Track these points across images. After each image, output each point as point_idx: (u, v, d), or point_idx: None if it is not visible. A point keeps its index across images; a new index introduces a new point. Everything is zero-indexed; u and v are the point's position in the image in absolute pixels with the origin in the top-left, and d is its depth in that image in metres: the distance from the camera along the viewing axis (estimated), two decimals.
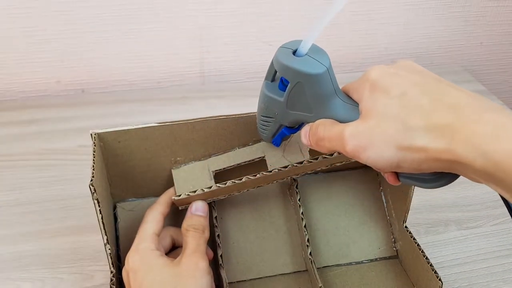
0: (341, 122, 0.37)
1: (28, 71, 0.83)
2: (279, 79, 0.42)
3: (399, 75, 0.34)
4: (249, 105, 0.83)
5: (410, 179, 0.36)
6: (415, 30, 0.94)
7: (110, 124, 0.49)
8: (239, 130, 0.51)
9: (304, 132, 0.41)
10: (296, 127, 0.44)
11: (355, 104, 0.38)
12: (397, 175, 0.37)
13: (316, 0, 0.86)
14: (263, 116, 0.45)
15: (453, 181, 0.35)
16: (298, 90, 0.39)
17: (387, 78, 0.34)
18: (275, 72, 0.42)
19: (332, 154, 0.48)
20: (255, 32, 0.88)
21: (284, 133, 0.45)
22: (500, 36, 1.00)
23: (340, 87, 0.40)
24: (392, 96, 0.33)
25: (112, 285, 0.44)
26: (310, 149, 0.50)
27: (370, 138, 0.33)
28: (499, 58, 1.04)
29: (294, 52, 0.39)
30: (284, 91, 0.41)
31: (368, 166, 0.57)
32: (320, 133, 0.38)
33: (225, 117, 0.50)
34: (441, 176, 0.35)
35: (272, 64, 0.42)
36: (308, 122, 0.41)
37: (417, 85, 0.33)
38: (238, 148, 0.52)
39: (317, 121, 0.39)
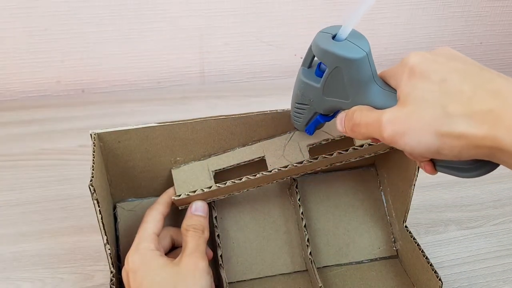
0: (378, 108, 0.37)
1: (28, 71, 0.83)
2: (316, 65, 0.41)
3: (439, 62, 0.34)
4: (249, 105, 0.83)
5: (447, 168, 0.36)
6: (415, 30, 0.94)
7: (110, 124, 0.49)
8: (239, 130, 0.51)
9: (340, 118, 0.40)
10: (330, 115, 0.44)
11: (393, 90, 0.37)
12: (433, 164, 0.37)
13: (316, 0, 0.86)
14: (298, 103, 0.44)
15: (492, 170, 0.34)
16: (336, 76, 0.39)
17: (427, 64, 0.34)
18: (313, 58, 0.42)
19: (332, 154, 0.48)
20: (255, 32, 0.88)
21: (318, 121, 0.45)
22: (500, 36, 1.00)
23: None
24: (432, 82, 0.33)
25: (112, 285, 0.44)
26: (309, 149, 0.51)
27: (409, 124, 0.33)
28: (499, 58, 1.04)
29: (334, 37, 0.38)
30: (321, 77, 0.40)
31: (367, 166, 0.58)
32: (356, 119, 0.38)
33: (225, 117, 0.50)
34: (480, 165, 0.34)
35: (309, 49, 0.41)
36: (343, 109, 0.41)
37: (458, 72, 0.33)
38: (238, 148, 0.52)
39: (354, 107, 0.39)
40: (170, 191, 0.50)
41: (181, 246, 0.46)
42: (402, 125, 0.33)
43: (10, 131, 0.74)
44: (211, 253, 0.49)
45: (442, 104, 0.32)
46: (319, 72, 0.41)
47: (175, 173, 0.51)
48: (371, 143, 0.48)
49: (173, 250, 0.50)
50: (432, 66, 0.34)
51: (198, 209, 0.48)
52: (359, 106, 0.39)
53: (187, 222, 0.47)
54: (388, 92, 0.38)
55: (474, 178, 0.35)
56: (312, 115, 0.44)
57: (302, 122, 0.46)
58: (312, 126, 0.47)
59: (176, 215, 0.51)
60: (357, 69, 0.38)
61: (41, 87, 0.85)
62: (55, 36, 0.80)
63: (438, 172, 0.38)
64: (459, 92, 0.32)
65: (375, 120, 0.36)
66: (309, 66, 0.42)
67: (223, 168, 0.51)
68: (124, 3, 0.79)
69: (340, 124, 0.40)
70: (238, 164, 0.51)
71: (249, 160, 0.51)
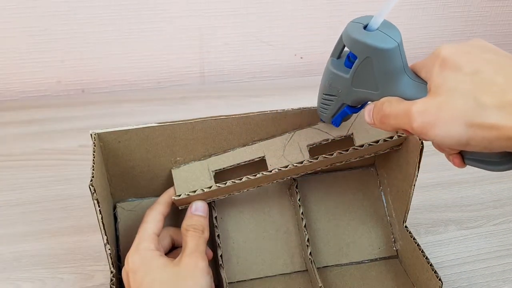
0: (407, 100, 0.37)
1: (28, 71, 0.83)
2: (346, 56, 0.41)
3: (471, 53, 0.34)
4: (249, 105, 0.83)
5: (476, 161, 0.36)
6: (415, 30, 0.94)
7: (110, 124, 0.49)
8: (239, 130, 0.51)
9: (368, 110, 0.40)
10: (358, 107, 0.44)
11: (423, 82, 0.37)
12: (462, 157, 0.37)
13: (316, 0, 0.86)
14: (325, 94, 0.44)
15: None
16: (366, 66, 0.39)
17: (459, 56, 0.34)
18: (342, 48, 0.42)
19: (332, 154, 0.48)
20: (255, 32, 0.88)
21: (345, 112, 0.45)
22: (500, 36, 1.00)
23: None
24: (464, 73, 0.33)
25: (112, 285, 0.44)
26: (310, 149, 0.51)
27: (439, 114, 0.33)
28: None
29: (365, 27, 0.38)
30: (350, 68, 0.40)
31: (367, 166, 0.58)
32: (385, 110, 0.38)
33: (225, 117, 0.50)
34: (510, 158, 0.34)
35: (339, 40, 0.41)
36: (372, 101, 0.40)
37: (491, 63, 0.33)
38: (238, 148, 0.52)
39: (383, 99, 0.39)
40: (170, 191, 0.50)
41: (181, 246, 0.46)
42: (432, 116, 0.33)
43: (10, 131, 0.74)
44: (211, 253, 0.49)
45: (474, 95, 0.32)
46: (349, 62, 0.41)
47: (175, 173, 0.51)
48: (371, 143, 0.48)
49: (173, 250, 0.50)
50: (464, 57, 0.33)
51: (198, 209, 0.48)
52: (388, 97, 0.38)
53: (187, 222, 0.47)
54: (418, 84, 0.37)
55: (504, 171, 0.35)
56: (340, 106, 0.44)
57: (329, 114, 0.46)
58: (339, 118, 0.46)
59: (176, 215, 0.51)
60: (388, 60, 0.37)
61: (41, 87, 0.85)
62: (55, 36, 0.80)
63: (462, 167, 0.37)
64: (492, 84, 0.31)
65: (405, 111, 0.35)
66: (339, 57, 0.42)
67: (223, 168, 0.51)
68: (124, 3, 0.79)
69: (368, 116, 0.40)
70: (238, 164, 0.51)
71: (249, 160, 0.51)
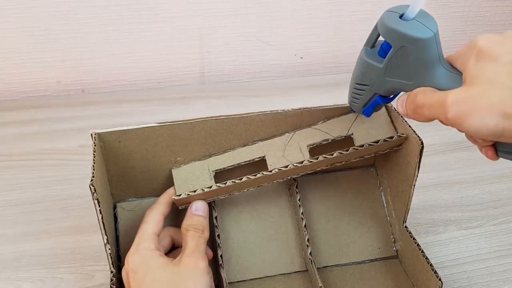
0: (442, 90, 0.37)
1: (28, 71, 0.83)
2: (380, 45, 0.41)
3: (508, 44, 0.34)
4: (249, 105, 0.83)
5: (510, 154, 0.36)
6: None
7: (110, 124, 0.49)
8: (239, 130, 0.51)
9: (401, 100, 0.40)
10: (390, 97, 0.44)
11: (459, 73, 0.37)
12: (495, 150, 0.36)
13: (316, 0, 0.86)
14: (357, 83, 0.44)
15: None
16: (400, 56, 0.38)
17: (495, 46, 0.34)
18: (377, 37, 0.41)
19: (332, 154, 0.48)
20: (255, 32, 0.88)
21: (377, 102, 0.44)
22: None
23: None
24: (500, 64, 0.33)
25: (112, 285, 0.44)
26: (310, 149, 0.51)
27: (475, 105, 0.33)
28: None
29: (401, 16, 0.38)
30: (384, 57, 0.40)
31: (367, 166, 0.58)
32: (419, 100, 0.37)
33: (225, 117, 0.50)
34: None
35: (374, 29, 0.41)
36: (404, 91, 0.40)
37: None
38: (238, 148, 0.52)
39: (416, 89, 0.38)
40: (170, 191, 0.50)
41: (181, 246, 0.46)
42: (467, 106, 0.33)
43: (10, 131, 0.74)
44: (211, 253, 0.49)
45: (510, 85, 0.32)
46: (382, 52, 0.41)
47: (175, 173, 0.51)
48: (371, 144, 0.48)
49: (173, 250, 0.50)
50: (501, 48, 0.33)
51: (198, 209, 0.48)
52: (422, 88, 0.38)
53: (187, 222, 0.47)
54: (453, 74, 0.37)
55: None
56: (372, 96, 0.44)
57: (360, 104, 0.46)
58: (370, 108, 0.46)
59: (176, 215, 0.51)
60: (424, 49, 0.37)
61: (41, 87, 0.85)
62: (55, 36, 0.80)
63: (498, 158, 0.37)
64: None
65: (440, 101, 0.35)
66: (373, 46, 0.42)
67: (223, 168, 0.51)
68: (124, 3, 0.79)
69: (401, 106, 0.40)
70: (238, 164, 0.51)
71: (249, 160, 0.51)
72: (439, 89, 0.37)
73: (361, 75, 0.43)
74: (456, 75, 0.37)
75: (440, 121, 0.36)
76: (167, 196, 0.49)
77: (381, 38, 0.41)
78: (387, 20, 0.38)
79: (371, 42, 0.42)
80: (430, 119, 0.38)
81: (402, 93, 0.42)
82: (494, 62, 0.33)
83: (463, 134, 0.38)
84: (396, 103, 0.41)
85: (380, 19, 0.39)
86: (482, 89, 0.33)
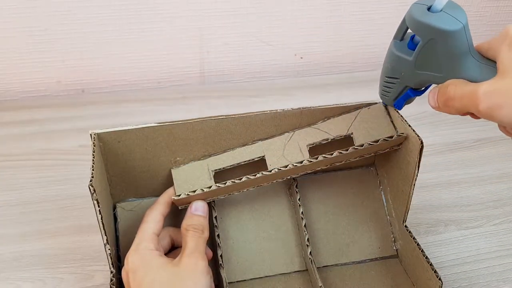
0: (473, 82, 0.36)
1: (28, 71, 0.83)
2: (409, 38, 0.41)
3: None
4: (249, 105, 0.83)
5: None
6: None
7: (110, 124, 0.49)
8: (239, 130, 0.51)
9: (432, 93, 0.40)
10: (421, 89, 0.43)
11: (491, 64, 0.36)
12: None
13: (316, 0, 0.86)
14: (387, 77, 0.44)
15: None
16: (430, 48, 0.38)
17: None
18: (406, 30, 0.41)
19: (332, 153, 0.48)
20: (255, 32, 0.88)
21: (408, 95, 0.44)
22: None
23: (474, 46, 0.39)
24: None
25: (112, 285, 0.44)
26: (309, 148, 0.51)
27: (508, 96, 0.32)
28: None
29: (429, 8, 0.38)
30: (414, 50, 0.40)
31: (367, 166, 0.58)
32: (450, 92, 0.37)
33: (224, 117, 0.50)
34: None
35: (403, 21, 0.41)
36: (435, 83, 0.40)
37: None
38: (238, 148, 0.52)
39: (447, 81, 0.38)
40: (170, 191, 0.50)
41: (181, 246, 0.46)
42: (500, 97, 0.33)
43: (10, 131, 0.74)
44: (210, 253, 0.49)
45: None
46: (412, 44, 0.40)
47: (175, 173, 0.51)
48: (371, 143, 0.48)
49: (173, 250, 0.50)
50: None
51: (198, 208, 0.48)
52: (453, 80, 0.38)
53: (187, 221, 0.47)
54: (485, 65, 0.37)
55: None
56: (402, 89, 0.44)
57: (391, 97, 0.46)
58: (402, 101, 0.46)
59: (176, 215, 0.51)
60: (454, 41, 0.37)
61: (41, 87, 0.85)
62: (55, 36, 0.80)
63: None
64: None
65: (471, 93, 0.35)
66: (402, 39, 0.42)
67: (223, 168, 0.51)
68: (124, 3, 0.79)
69: (432, 99, 0.39)
70: (238, 164, 0.51)
71: (249, 160, 0.51)
72: (470, 81, 0.37)
73: (391, 68, 0.43)
74: (488, 66, 0.36)
75: (471, 113, 0.36)
76: (167, 196, 0.49)
77: (410, 31, 0.40)
78: (415, 12, 0.38)
79: (400, 35, 0.42)
80: (461, 112, 0.37)
81: (433, 85, 0.41)
82: None
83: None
84: (428, 96, 0.40)
85: (408, 12, 0.39)
86: None
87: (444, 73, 0.39)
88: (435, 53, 0.38)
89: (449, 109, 0.38)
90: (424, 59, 0.39)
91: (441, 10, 0.37)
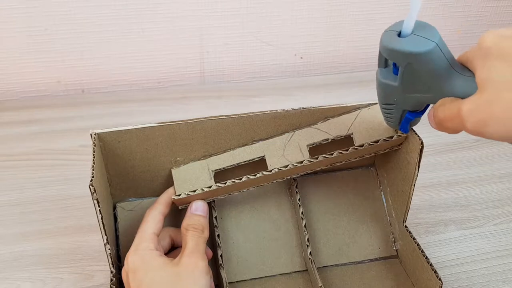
0: (462, 97, 0.35)
1: (28, 71, 0.83)
2: (392, 63, 0.40)
3: None
4: (249, 105, 0.83)
5: None
6: None
7: (110, 124, 0.49)
8: (239, 130, 0.51)
9: (429, 115, 0.38)
10: (421, 110, 0.43)
11: (474, 75, 0.35)
12: None
13: (316, 0, 0.86)
14: (383, 104, 0.44)
15: None
16: (410, 72, 0.38)
17: (503, 43, 0.31)
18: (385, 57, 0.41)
19: (332, 153, 0.48)
20: (255, 32, 0.88)
21: (409, 118, 0.44)
22: None
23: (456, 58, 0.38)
24: (509, 62, 0.30)
25: (112, 285, 0.44)
26: (309, 148, 0.51)
27: (490, 111, 0.31)
28: None
29: (400, 34, 0.37)
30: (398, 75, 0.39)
31: (367, 166, 0.58)
32: (440, 114, 0.36)
33: (225, 117, 0.50)
34: None
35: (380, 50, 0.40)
36: (429, 103, 0.39)
37: None
38: (238, 148, 0.52)
39: (438, 102, 0.37)
40: (170, 191, 0.50)
41: (181, 246, 0.46)
42: (483, 113, 0.31)
43: (10, 131, 0.74)
44: (210, 253, 0.49)
45: None
46: (396, 70, 0.40)
47: (175, 172, 0.51)
48: (371, 143, 0.48)
49: (172, 250, 0.50)
50: (508, 44, 0.31)
51: (198, 208, 0.48)
52: (442, 100, 0.37)
53: (187, 221, 0.47)
54: (470, 78, 0.36)
55: None
56: (401, 113, 0.43)
57: (395, 122, 0.45)
58: (405, 124, 0.45)
59: (176, 215, 0.51)
60: (430, 61, 0.36)
61: (41, 87, 0.85)
62: (55, 36, 0.80)
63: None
64: None
65: (456, 112, 0.34)
66: (385, 66, 0.41)
67: (223, 168, 0.51)
68: (124, 3, 0.79)
69: (431, 122, 0.38)
70: (238, 164, 0.51)
71: (249, 160, 0.51)
72: (459, 96, 0.36)
73: (383, 95, 0.43)
74: (472, 78, 0.35)
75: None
76: (167, 196, 0.49)
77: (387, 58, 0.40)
78: (386, 41, 0.38)
79: (382, 63, 0.41)
80: (457, 131, 0.36)
81: (431, 104, 0.40)
82: (502, 61, 0.31)
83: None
84: (427, 118, 0.40)
85: (380, 40, 0.39)
86: (494, 94, 0.31)
87: (433, 92, 0.38)
88: (417, 75, 0.38)
89: (445, 130, 0.37)
90: (409, 83, 0.39)
91: (411, 33, 0.37)
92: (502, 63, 0.31)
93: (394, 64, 0.40)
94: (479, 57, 0.33)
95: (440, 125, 0.37)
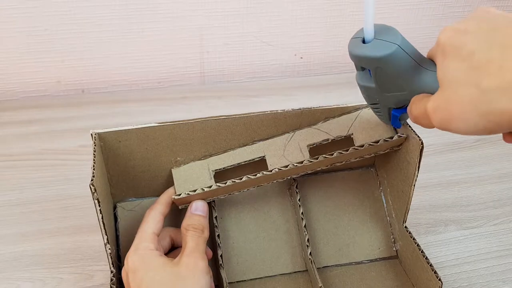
0: (432, 93, 0.35)
1: (28, 71, 0.83)
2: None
3: (468, 32, 0.31)
4: (249, 105, 0.83)
5: None
6: (415, 30, 0.94)
7: (110, 124, 0.49)
8: (239, 130, 0.51)
9: (408, 112, 0.39)
10: (405, 106, 0.43)
11: None
12: None
13: (316, 0, 0.86)
14: (370, 104, 0.45)
15: None
16: (381, 74, 0.39)
17: (456, 39, 0.31)
18: None
19: (332, 154, 0.48)
20: (255, 32, 0.88)
21: (395, 115, 0.45)
22: None
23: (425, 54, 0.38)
24: (462, 59, 0.30)
25: (112, 285, 0.44)
26: (310, 149, 0.51)
27: (450, 109, 0.31)
28: None
29: (364, 40, 0.38)
30: None
31: (367, 166, 0.58)
32: (414, 111, 0.37)
33: (225, 117, 0.50)
34: None
35: None
36: (408, 99, 0.40)
37: (484, 36, 0.29)
38: (239, 148, 0.52)
39: (412, 99, 0.38)
40: (170, 190, 0.50)
41: (181, 246, 0.46)
42: (445, 111, 0.31)
43: (10, 131, 0.74)
44: (210, 253, 0.49)
45: (475, 81, 0.29)
46: (370, 72, 0.41)
47: (175, 172, 0.51)
48: (371, 144, 0.48)
49: (172, 250, 0.50)
50: (461, 39, 0.31)
51: (198, 208, 0.48)
52: (415, 97, 0.37)
53: (187, 221, 0.47)
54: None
55: None
56: (387, 110, 0.44)
57: (385, 119, 0.46)
58: (395, 120, 0.46)
59: (176, 215, 0.51)
60: (395, 63, 0.37)
61: (41, 87, 0.85)
62: (55, 36, 0.80)
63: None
64: (488, 62, 0.29)
65: (424, 110, 0.34)
66: (362, 69, 0.42)
67: (224, 168, 0.51)
68: (124, 3, 0.79)
69: (411, 119, 0.39)
70: (238, 164, 0.51)
71: (249, 160, 0.51)
72: (431, 92, 0.36)
73: (366, 97, 0.44)
74: None
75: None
76: (167, 196, 0.49)
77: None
78: (352, 48, 0.39)
79: (359, 66, 0.42)
80: (431, 127, 0.36)
81: None
82: (456, 58, 0.31)
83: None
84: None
85: (348, 48, 0.40)
86: (452, 92, 0.31)
87: (406, 90, 0.39)
88: (388, 77, 0.39)
89: (422, 125, 0.37)
90: (383, 83, 0.40)
91: (373, 38, 0.38)
92: (455, 60, 0.31)
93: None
94: (438, 53, 0.33)
95: (416, 122, 0.37)
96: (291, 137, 0.51)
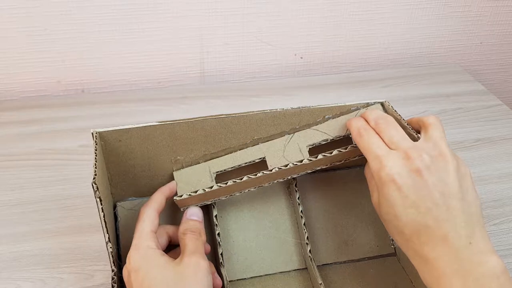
0: None
1: (28, 71, 0.83)
2: None
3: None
4: (249, 105, 0.83)
5: None
6: (415, 30, 0.94)
7: (110, 124, 0.49)
8: (239, 129, 0.51)
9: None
10: None
11: None
12: None
13: (316, 0, 0.86)
14: None
15: None
16: None
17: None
18: None
19: (331, 152, 0.48)
20: (255, 32, 0.88)
21: None
22: (500, 36, 1.01)
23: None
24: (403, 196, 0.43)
25: (113, 284, 0.44)
26: (309, 149, 0.51)
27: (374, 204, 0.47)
28: (499, 58, 1.04)
29: None
30: None
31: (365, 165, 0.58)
32: (358, 140, 0.47)
33: (225, 116, 0.50)
34: None
35: None
36: None
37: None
38: (239, 150, 0.52)
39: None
40: (163, 188, 0.50)
41: (178, 245, 0.46)
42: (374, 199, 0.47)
43: (10, 131, 0.75)
44: (209, 248, 0.49)
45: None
46: None
47: (177, 175, 0.52)
48: None
49: (172, 250, 0.50)
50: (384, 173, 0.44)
51: (193, 214, 0.49)
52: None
53: (183, 226, 0.47)
54: None
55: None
56: None
57: None
58: None
59: (173, 214, 0.51)
60: None
61: (41, 87, 0.85)
62: (55, 36, 0.80)
63: None
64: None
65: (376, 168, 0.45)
66: None
67: (224, 170, 0.51)
68: (124, 3, 0.79)
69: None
70: (239, 165, 0.51)
71: (250, 162, 0.51)
72: None
73: None
74: None
75: None
76: (160, 193, 0.49)
77: None
78: None
79: None
80: None
81: None
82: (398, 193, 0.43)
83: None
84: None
85: None
86: (379, 202, 0.45)
87: None
88: None
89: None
90: None
91: None
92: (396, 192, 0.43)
93: None
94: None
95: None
96: (290, 138, 0.51)
